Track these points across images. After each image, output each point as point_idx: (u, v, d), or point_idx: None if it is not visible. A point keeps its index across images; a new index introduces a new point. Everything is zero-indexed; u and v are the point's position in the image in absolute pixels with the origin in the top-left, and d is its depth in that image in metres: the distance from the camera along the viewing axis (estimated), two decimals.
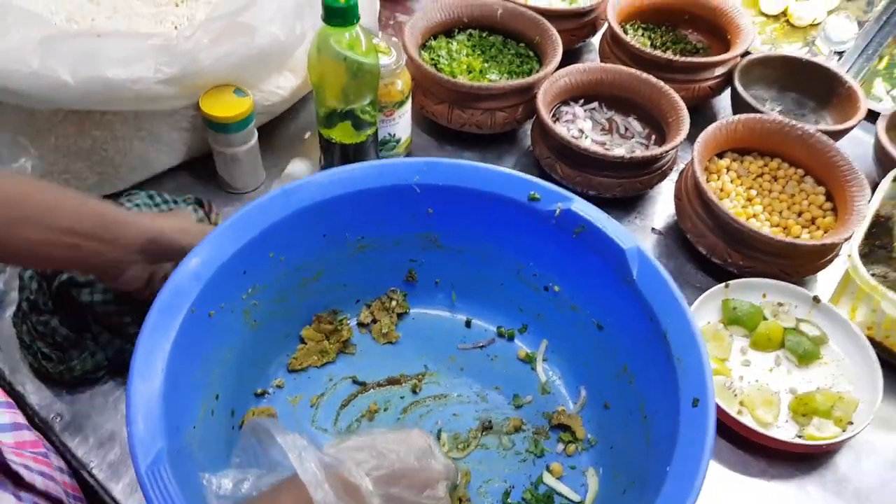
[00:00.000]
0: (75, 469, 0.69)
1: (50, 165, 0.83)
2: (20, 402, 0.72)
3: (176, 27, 0.91)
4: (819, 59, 1.13)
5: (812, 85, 1.10)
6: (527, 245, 0.74)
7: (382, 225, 0.74)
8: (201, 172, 0.94)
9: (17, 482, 0.58)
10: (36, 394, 0.73)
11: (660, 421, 0.62)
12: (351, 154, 0.85)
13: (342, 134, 0.83)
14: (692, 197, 0.88)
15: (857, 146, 1.07)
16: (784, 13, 1.37)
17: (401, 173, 0.71)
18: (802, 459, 0.75)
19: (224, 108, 0.84)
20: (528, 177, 0.72)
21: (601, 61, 1.12)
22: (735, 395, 0.77)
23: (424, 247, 0.77)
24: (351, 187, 0.69)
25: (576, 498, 0.68)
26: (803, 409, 0.76)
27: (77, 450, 0.69)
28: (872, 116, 1.05)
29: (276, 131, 0.99)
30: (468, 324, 0.81)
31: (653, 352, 0.64)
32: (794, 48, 1.31)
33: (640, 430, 0.65)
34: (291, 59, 0.92)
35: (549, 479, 0.70)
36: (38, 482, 0.60)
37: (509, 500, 0.68)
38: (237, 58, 0.82)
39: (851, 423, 0.75)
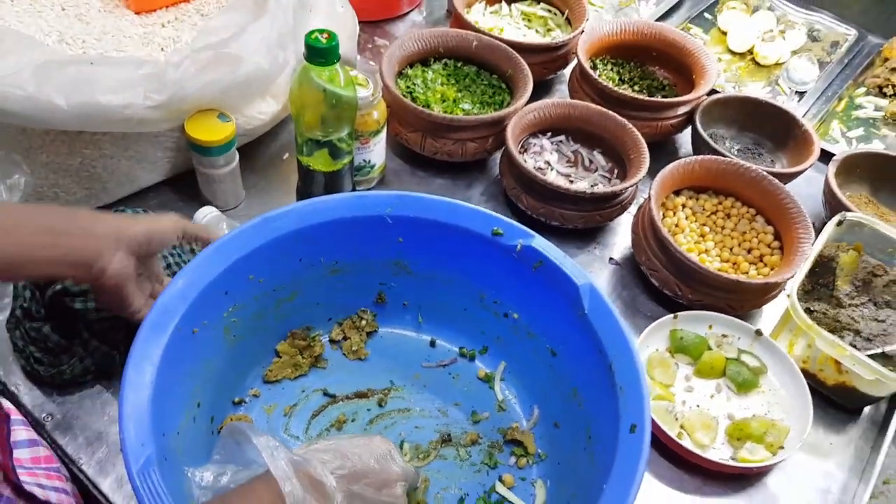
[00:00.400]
0: (65, 465, 0.74)
1: (40, 181, 0.87)
2: (13, 401, 0.76)
3: (162, 49, 0.95)
4: (780, 100, 1.20)
5: (770, 126, 1.17)
6: (489, 275, 0.80)
7: (355, 251, 0.79)
8: (184, 189, 0.98)
9: (31, 500, 0.62)
10: (28, 394, 0.78)
11: (602, 442, 0.68)
12: (328, 181, 0.90)
13: (320, 162, 0.88)
14: (648, 233, 0.95)
15: (811, 185, 1.15)
16: (750, 52, 1.44)
17: (374, 205, 0.76)
18: (735, 480, 0.82)
19: (208, 132, 0.88)
20: (492, 213, 0.77)
21: (570, 95, 1.18)
22: (676, 419, 0.83)
23: (394, 272, 0.82)
24: (327, 217, 0.75)
25: None
26: (738, 434, 0.83)
27: (67, 447, 0.74)
28: (827, 157, 1.12)
29: (256, 152, 1.04)
30: (432, 344, 0.86)
31: (599, 380, 0.70)
32: (758, 86, 1.38)
33: (584, 448, 0.71)
34: (273, 86, 0.97)
35: (500, 489, 0.75)
36: (53, 498, 0.64)
37: None
38: (222, 85, 0.87)
39: (782, 447, 0.82)
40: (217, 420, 0.74)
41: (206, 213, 0.90)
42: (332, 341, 0.85)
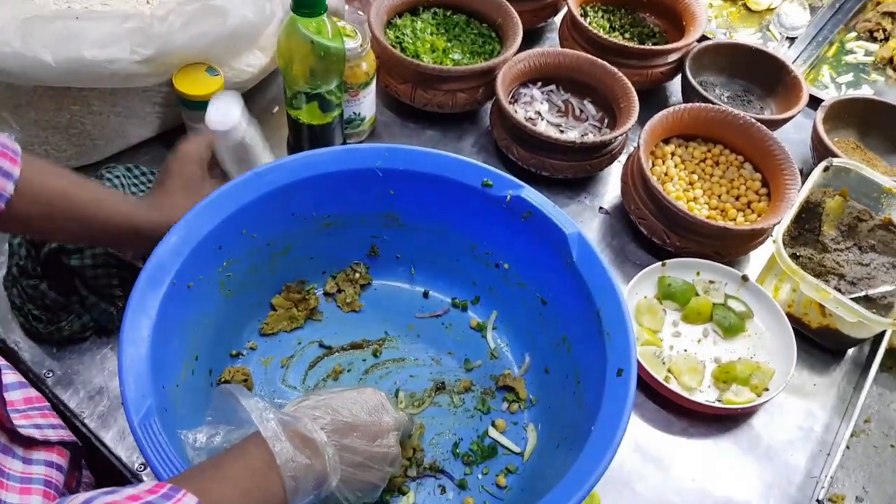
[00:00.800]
0: (68, 419, 0.76)
1: (30, 138, 0.87)
2: (14, 358, 0.78)
3: (148, 2, 0.94)
4: (771, 46, 1.19)
5: (760, 72, 1.17)
6: (480, 226, 0.81)
7: (347, 205, 0.80)
8: (175, 144, 0.98)
9: (29, 445, 0.64)
10: (28, 351, 0.79)
11: (590, 386, 0.70)
12: (318, 134, 0.90)
13: (309, 115, 0.88)
14: (637, 182, 0.95)
15: (800, 131, 1.15)
16: None
17: (364, 158, 0.77)
18: (721, 421, 0.84)
19: (196, 85, 0.88)
20: (482, 165, 0.78)
21: (560, 43, 1.18)
22: (664, 363, 0.85)
23: (386, 224, 0.83)
24: (318, 171, 0.75)
25: (516, 449, 0.77)
26: (724, 377, 0.85)
27: (69, 402, 0.76)
28: (816, 102, 1.12)
29: (246, 106, 1.03)
30: (425, 295, 0.88)
31: (587, 326, 0.72)
32: (748, 32, 1.37)
33: (573, 393, 0.73)
34: (261, 38, 0.96)
35: (493, 433, 0.78)
36: (52, 436, 0.66)
37: (458, 451, 0.76)
38: (209, 38, 0.86)
39: (767, 389, 0.84)
40: (215, 373, 0.76)
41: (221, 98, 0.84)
42: (326, 294, 0.86)
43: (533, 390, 0.81)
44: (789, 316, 0.90)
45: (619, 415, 0.63)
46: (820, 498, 0.74)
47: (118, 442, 0.74)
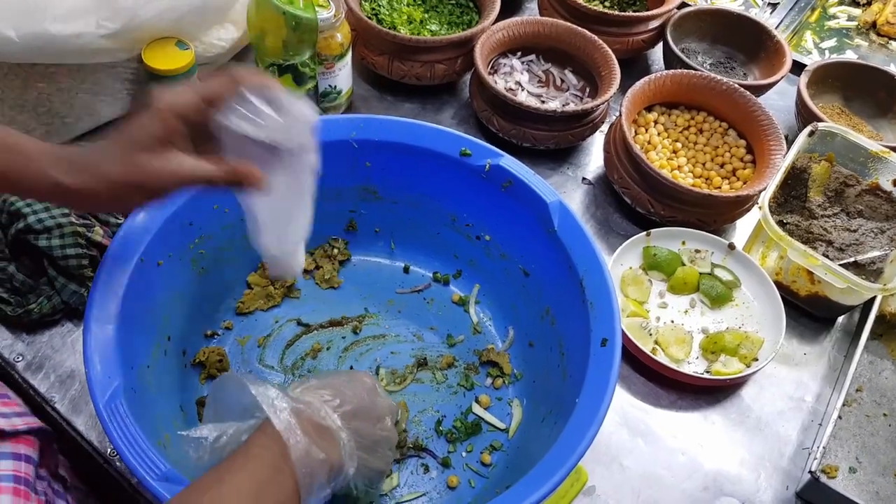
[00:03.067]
0: (38, 405, 0.74)
1: None
2: None
3: None
4: (753, 12, 1.17)
5: (742, 38, 1.15)
6: (459, 197, 0.79)
7: (322, 178, 0.77)
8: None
9: None
10: None
11: (574, 358, 0.68)
12: None
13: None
14: (620, 150, 0.93)
15: (784, 98, 1.14)
16: None
17: (338, 129, 0.74)
18: (710, 392, 0.83)
19: (166, 60, 0.85)
20: (460, 134, 0.76)
21: (540, 12, 1.15)
22: (650, 335, 0.84)
23: (363, 198, 0.81)
24: None
25: (501, 426, 0.75)
26: (712, 347, 0.84)
27: (39, 386, 0.74)
28: (799, 69, 1.11)
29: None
30: (406, 270, 0.86)
31: (571, 297, 0.70)
32: None
33: (558, 365, 0.71)
34: (232, 11, 0.93)
35: (477, 409, 0.76)
36: (19, 423, 0.63)
37: (441, 428, 0.74)
38: (178, 12, 0.84)
39: (756, 359, 0.83)
40: (189, 353, 0.74)
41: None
42: (304, 271, 0.84)
43: (517, 364, 0.79)
44: (777, 284, 0.88)
45: (605, 385, 0.61)
46: (813, 469, 0.73)
47: (90, 428, 0.72)
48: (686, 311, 0.88)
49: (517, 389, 0.78)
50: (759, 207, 0.87)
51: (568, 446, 0.58)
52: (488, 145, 0.75)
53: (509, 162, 0.75)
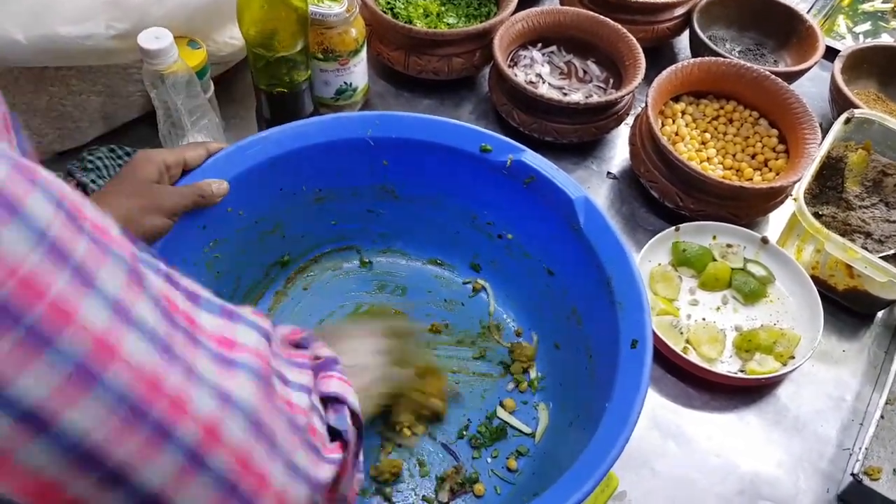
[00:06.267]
0: None
1: None
2: None
3: None
4: None
5: (772, 24, 1.11)
6: (480, 195, 0.76)
7: (338, 177, 0.75)
8: None
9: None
10: None
11: (603, 360, 0.65)
12: (285, 102, 0.85)
13: (275, 81, 0.83)
14: (646, 142, 0.90)
15: (818, 85, 1.09)
16: None
17: (353, 127, 0.72)
18: (744, 392, 0.80)
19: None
20: (479, 129, 0.73)
21: (560, 2, 1.12)
22: (682, 333, 0.80)
23: (381, 197, 0.78)
24: (304, 142, 0.71)
25: (527, 430, 0.72)
26: (747, 345, 0.80)
27: None
28: (832, 55, 1.06)
29: (233, 81, 0.99)
30: (425, 270, 0.83)
31: (598, 296, 0.67)
32: None
33: (585, 368, 0.68)
34: None
35: (502, 414, 0.73)
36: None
37: (466, 433, 0.72)
38: (188, 11, 0.82)
39: (793, 357, 0.79)
40: None
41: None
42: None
43: (542, 367, 0.76)
44: (814, 279, 0.84)
45: (636, 389, 0.58)
46: (855, 471, 0.69)
47: None
48: (718, 309, 0.85)
49: (543, 393, 0.75)
50: (794, 199, 0.83)
51: (599, 453, 0.56)
52: (509, 140, 0.73)
53: (531, 157, 0.72)
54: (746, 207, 0.89)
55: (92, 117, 0.88)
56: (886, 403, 0.76)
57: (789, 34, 1.09)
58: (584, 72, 1.01)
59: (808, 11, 1.20)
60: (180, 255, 0.65)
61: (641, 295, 0.63)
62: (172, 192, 0.63)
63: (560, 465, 0.59)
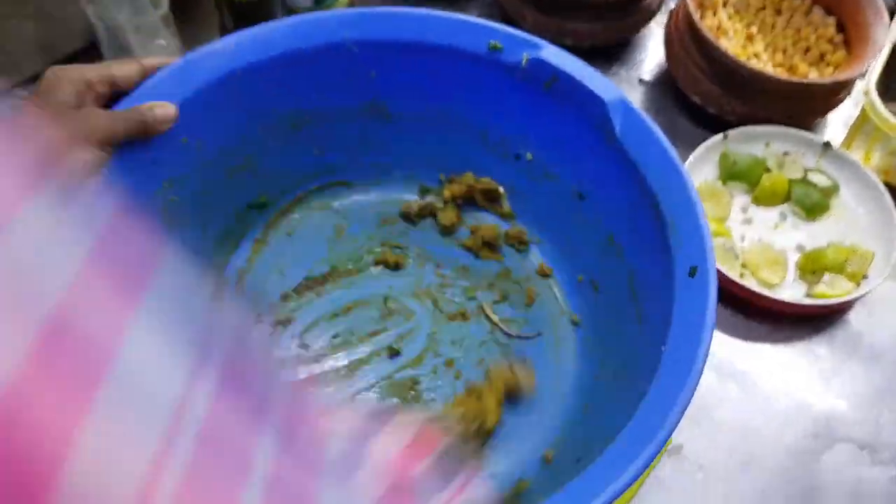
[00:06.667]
0: None
1: None
2: None
3: None
4: None
5: None
6: (491, 106, 0.63)
7: (317, 95, 0.62)
8: None
9: None
10: None
11: (652, 296, 0.53)
12: (252, 12, 0.71)
13: None
14: (685, 38, 0.76)
15: None
16: None
17: (327, 29, 0.59)
18: (811, 320, 0.68)
19: None
20: (486, 22, 0.60)
21: None
22: (736, 257, 0.68)
23: (371, 117, 0.65)
24: (270, 51, 0.57)
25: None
26: (812, 266, 0.68)
27: None
28: None
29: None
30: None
31: (642, 219, 0.55)
32: None
33: (630, 309, 0.57)
34: None
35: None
36: None
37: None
38: None
39: (866, 277, 0.68)
40: None
41: None
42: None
43: (577, 308, 0.65)
44: (888, 186, 0.72)
45: (698, 328, 0.47)
46: None
47: None
48: (776, 227, 0.72)
49: (580, 341, 0.63)
50: (865, 93, 0.70)
51: (657, 411, 0.44)
52: (523, 34, 0.59)
53: (553, 53, 0.58)
54: (804, 108, 0.75)
55: (27, 49, 0.75)
56: None
57: None
58: None
59: None
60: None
61: (698, 212, 0.51)
62: (100, 116, 0.50)
63: (606, 428, 0.48)
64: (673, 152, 0.54)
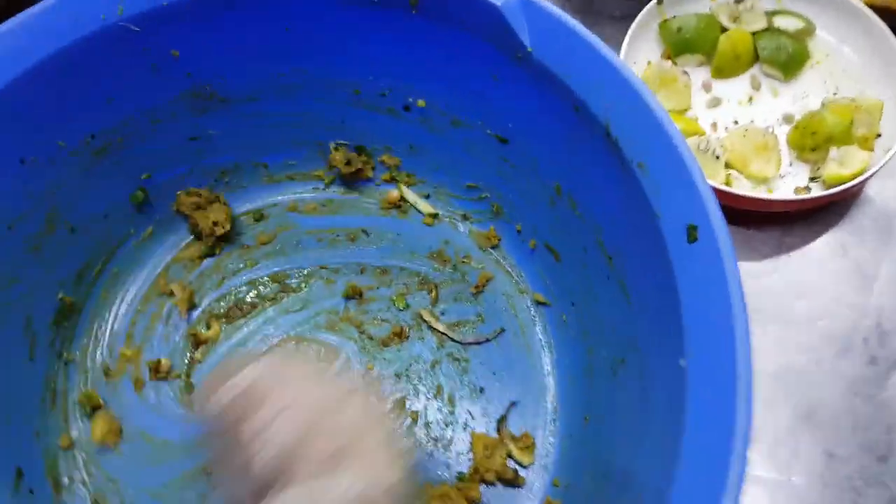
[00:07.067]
0: None
1: None
2: None
3: None
4: None
5: None
6: (351, 49, 0.46)
7: (110, 106, 0.44)
8: None
9: None
10: None
11: (638, 266, 0.38)
12: None
13: None
14: None
15: None
16: None
17: (91, 13, 0.40)
18: (824, 209, 0.54)
19: None
20: None
21: None
22: (717, 158, 0.53)
23: (199, 110, 0.47)
24: (18, 67, 0.39)
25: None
26: (811, 141, 0.53)
27: None
28: None
29: None
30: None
31: (591, 157, 0.39)
32: None
33: (609, 282, 0.42)
34: None
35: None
36: None
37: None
38: None
39: (879, 135, 0.53)
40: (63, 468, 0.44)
41: None
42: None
43: (538, 284, 0.49)
44: (874, 8, 0.56)
45: (724, 314, 0.31)
46: None
47: None
48: (751, 100, 0.57)
49: (552, 327, 0.48)
50: None
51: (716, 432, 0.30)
52: None
53: None
54: None
55: None
56: None
57: None
58: None
59: None
60: None
61: (676, 142, 0.35)
62: None
63: (621, 442, 0.34)
64: (610, 55, 0.37)
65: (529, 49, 0.39)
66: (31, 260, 0.44)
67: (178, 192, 0.50)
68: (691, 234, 0.33)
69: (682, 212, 0.33)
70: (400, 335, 0.48)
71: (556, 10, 0.38)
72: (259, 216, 0.52)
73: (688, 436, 0.31)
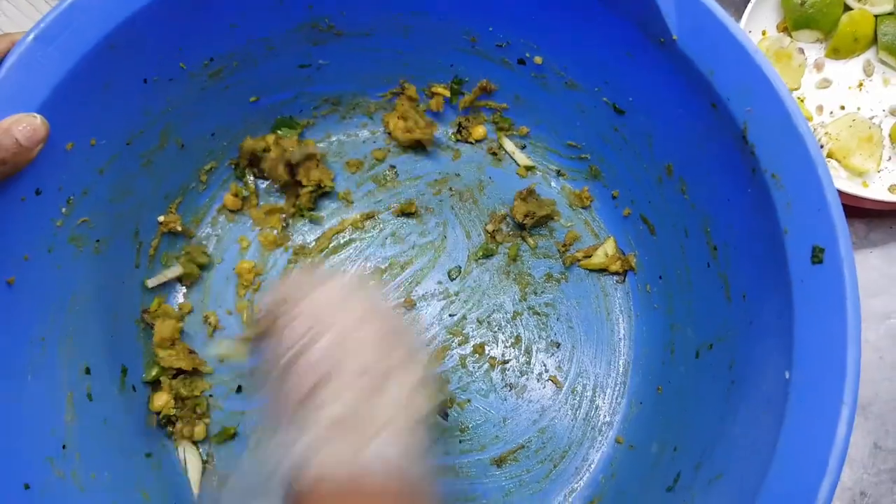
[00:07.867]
0: None
1: None
2: None
3: None
4: None
5: None
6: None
7: (232, 32, 0.44)
8: None
9: None
10: None
11: (747, 269, 0.39)
12: None
13: None
14: None
15: None
16: None
17: None
18: None
19: None
20: None
21: None
22: (820, 145, 0.53)
23: (314, 40, 0.47)
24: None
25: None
26: None
27: None
28: None
29: None
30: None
31: (721, 152, 0.39)
32: None
33: (709, 270, 0.43)
34: None
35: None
36: None
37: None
38: None
39: None
40: (133, 370, 0.46)
41: None
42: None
43: (628, 248, 0.51)
44: None
45: (840, 350, 0.33)
46: None
47: None
48: (861, 85, 0.56)
49: (634, 294, 0.50)
50: None
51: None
52: None
53: None
54: None
55: None
56: None
57: None
58: None
59: None
60: (19, 253, 0.38)
61: (814, 158, 0.35)
62: None
63: (694, 421, 0.36)
64: (760, 58, 0.37)
65: (675, 37, 0.38)
66: (144, 173, 0.46)
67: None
68: (816, 255, 0.34)
69: (811, 231, 0.34)
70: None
71: (709, 1, 0.37)
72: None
73: (782, 445, 0.33)
